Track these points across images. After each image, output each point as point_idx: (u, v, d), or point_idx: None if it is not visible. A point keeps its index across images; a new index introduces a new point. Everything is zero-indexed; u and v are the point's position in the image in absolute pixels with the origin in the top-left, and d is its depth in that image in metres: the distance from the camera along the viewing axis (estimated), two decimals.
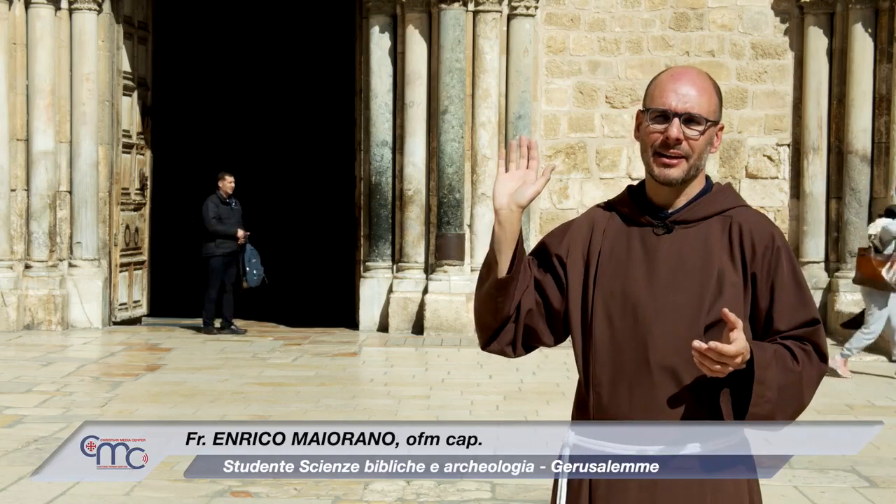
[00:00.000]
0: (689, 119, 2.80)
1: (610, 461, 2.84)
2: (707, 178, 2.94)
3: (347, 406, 9.90)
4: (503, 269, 2.87)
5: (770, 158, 15.31)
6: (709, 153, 2.87)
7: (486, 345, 2.99)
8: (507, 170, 2.86)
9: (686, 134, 2.80)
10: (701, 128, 2.81)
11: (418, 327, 14.58)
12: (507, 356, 3.01)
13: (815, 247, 15.08)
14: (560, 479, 2.92)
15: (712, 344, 2.64)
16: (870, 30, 14.65)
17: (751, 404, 2.75)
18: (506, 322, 2.92)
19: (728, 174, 15.23)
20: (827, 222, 15.10)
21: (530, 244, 14.86)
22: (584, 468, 2.87)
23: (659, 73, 2.92)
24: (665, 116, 2.81)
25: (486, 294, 2.92)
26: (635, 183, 3.02)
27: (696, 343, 2.65)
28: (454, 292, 14.50)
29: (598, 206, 3.04)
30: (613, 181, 14.64)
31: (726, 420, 2.84)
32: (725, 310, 2.67)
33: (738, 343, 2.66)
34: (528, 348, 2.99)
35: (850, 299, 14.54)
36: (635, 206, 2.93)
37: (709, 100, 2.83)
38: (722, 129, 2.91)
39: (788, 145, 15.30)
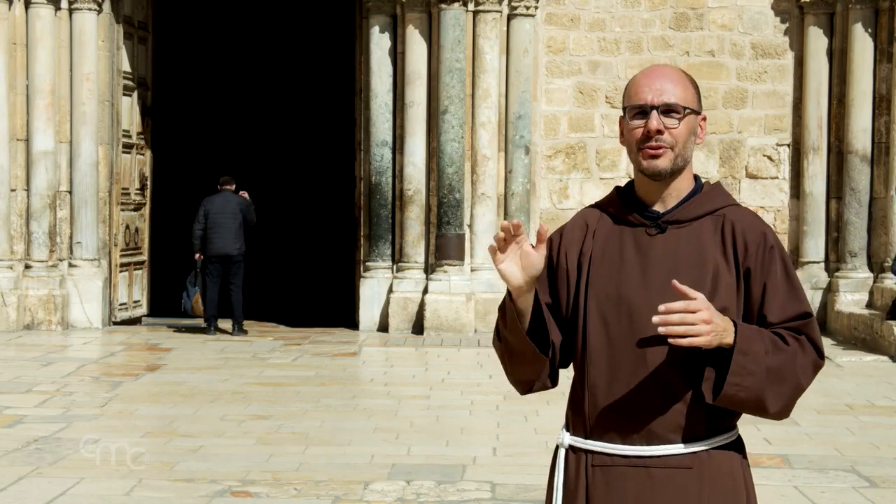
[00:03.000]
0: (666, 110, 2.83)
1: (606, 461, 2.84)
2: (696, 177, 2.96)
3: (347, 406, 9.90)
4: (539, 354, 2.88)
5: (770, 158, 15.31)
6: (694, 144, 2.89)
7: (527, 393, 3.04)
8: (502, 251, 2.82)
9: (666, 124, 2.83)
10: (679, 115, 2.84)
11: (418, 327, 14.58)
12: (548, 389, 3.03)
13: (815, 247, 15.07)
14: (556, 480, 2.93)
15: (668, 305, 2.63)
16: (870, 30, 14.65)
17: (729, 373, 2.71)
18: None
19: (728, 174, 15.23)
20: (827, 222, 15.10)
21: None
22: (579, 468, 2.88)
23: (633, 76, 2.95)
24: (644, 112, 2.84)
25: (519, 364, 2.95)
26: (623, 184, 3.04)
27: (656, 318, 2.64)
28: (454, 292, 14.50)
29: (588, 207, 3.05)
30: (613, 181, 14.63)
31: (723, 418, 2.84)
32: (675, 282, 2.67)
33: (699, 298, 2.65)
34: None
35: (849, 299, 14.54)
36: (625, 206, 2.94)
37: (684, 89, 2.87)
38: (705, 119, 2.93)
39: (788, 145, 15.30)
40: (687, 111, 2.84)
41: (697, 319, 2.64)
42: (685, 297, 2.65)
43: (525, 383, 3.00)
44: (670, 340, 2.66)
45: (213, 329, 14.80)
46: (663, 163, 2.84)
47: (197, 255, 14.93)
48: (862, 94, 14.68)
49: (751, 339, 2.74)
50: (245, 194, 15.28)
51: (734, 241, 2.85)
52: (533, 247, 2.80)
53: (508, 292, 2.87)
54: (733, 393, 2.73)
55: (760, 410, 2.79)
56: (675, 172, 2.86)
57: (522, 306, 2.85)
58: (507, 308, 2.88)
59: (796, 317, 2.83)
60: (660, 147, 2.83)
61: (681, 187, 2.90)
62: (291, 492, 6.91)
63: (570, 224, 3.02)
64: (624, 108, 2.89)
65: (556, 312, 2.95)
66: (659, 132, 2.82)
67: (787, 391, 2.79)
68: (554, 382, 2.99)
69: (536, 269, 2.80)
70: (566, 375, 2.99)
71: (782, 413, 2.82)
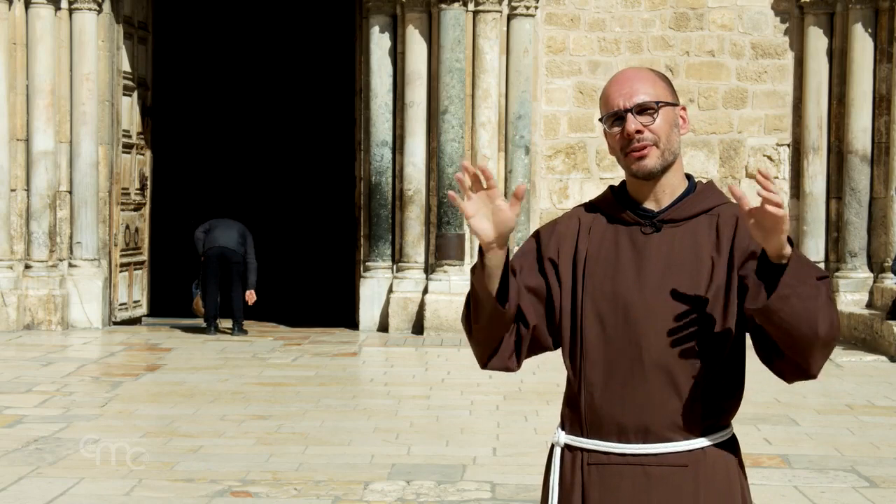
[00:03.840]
0: (640, 109, 2.84)
1: (601, 459, 2.84)
2: (689, 176, 2.96)
3: (347, 406, 9.90)
4: (497, 305, 2.81)
5: (770, 158, 15.31)
6: (679, 135, 2.89)
7: (487, 364, 2.96)
8: (468, 198, 2.76)
9: (643, 123, 2.84)
10: (654, 111, 2.85)
11: (418, 327, 14.58)
12: (510, 370, 2.98)
13: (815, 247, 15.07)
14: (551, 479, 2.93)
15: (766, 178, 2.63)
16: (870, 30, 14.65)
17: (786, 272, 2.62)
18: (502, 339, 2.91)
19: (728, 174, 15.23)
20: (827, 222, 15.10)
21: None
22: (575, 467, 2.88)
23: (604, 87, 2.96)
24: (620, 117, 2.85)
25: (484, 328, 2.88)
26: (616, 183, 3.04)
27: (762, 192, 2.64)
28: (454, 292, 14.49)
29: (581, 206, 3.05)
30: (613, 181, 14.58)
31: (718, 417, 2.85)
32: (732, 186, 2.66)
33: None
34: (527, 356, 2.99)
35: (850, 299, 14.54)
36: (619, 205, 2.94)
37: (652, 84, 2.87)
38: (684, 109, 2.94)
39: (788, 145, 15.30)
40: (660, 105, 2.85)
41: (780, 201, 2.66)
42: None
43: (485, 346, 2.92)
44: (769, 208, 2.63)
45: (213, 329, 14.80)
46: (651, 161, 2.85)
47: (203, 259, 14.93)
48: (862, 94, 14.68)
49: (803, 258, 2.68)
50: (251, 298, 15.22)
51: (729, 231, 2.86)
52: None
53: (480, 248, 2.82)
54: (788, 293, 2.62)
55: (810, 330, 2.66)
56: (665, 168, 2.87)
57: (492, 263, 2.79)
58: (476, 262, 2.82)
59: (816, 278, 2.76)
60: (643, 147, 2.83)
61: (674, 184, 2.91)
62: (291, 492, 6.91)
63: (563, 219, 3.02)
64: (601, 120, 2.91)
65: (549, 307, 2.93)
66: (638, 132, 2.83)
67: (833, 322, 2.68)
68: (517, 364, 2.93)
69: (508, 227, 2.75)
70: (550, 369, 2.98)
71: (826, 347, 2.72)
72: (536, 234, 3.01)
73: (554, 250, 2.95)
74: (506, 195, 15.78)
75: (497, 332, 2.89)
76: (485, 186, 2.75)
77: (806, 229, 15.09)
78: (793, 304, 2.64)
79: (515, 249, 2.92)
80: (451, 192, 2.83)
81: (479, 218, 2.77)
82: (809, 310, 2.65)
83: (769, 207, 2.63)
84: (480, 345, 2.94)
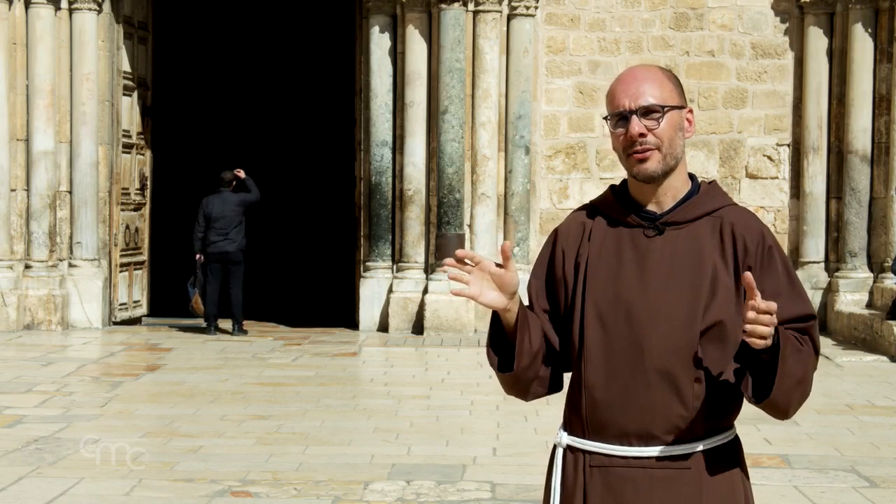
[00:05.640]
0: (645, 112, 2.82)
1: (604, 461, 2.84)
2: (693, 176, 2.94)
3: (347, 406, 9.90)
4: (509, 376, 2.96)
5: (770, 158, 15.31)
6: (684, 138, 2.87)
7: (528, 400, 3.07)
8: (468, 282, 2.81)
9: (647, 126, 2.81)
10: (659, 115, 2.82)
11: (418, 327, 14.57)
12: (554, 393, 3.05)
13: (815, 247, 15.07)
14: (553, 480, 2.92)
15: (769, 304, 2.60)
16: (870, 30, 14.65)
17: (777, 377, 2.70)
18: (534, 381, 2.98)
19: (728, 174, 15.23)
20: (827, 222, 15.10)
21: (530, 244, 14.87)
22: (577, 469, 2.88)
23: (612, 83, 2.94)
24: (624, 118, 2.83)
25: (509, 384, 3.02)
26: (617, 183, 3.03)
27: (767, 319, 2.61)
28: None
29: (583, 207, 3.04)
30: (613, 181, 14.57)
31: (720, 418, 2.84)
32: (748, 273, 2.64)
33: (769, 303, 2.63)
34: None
35: (849, 299, 14.54)
36: (621, 206, 2.93)
37: (660, 86, 2.84)
38: (691, 111, 2.91)
39: (788, 145, 15.30)
40: (666, 109, 2.82)
41: (771, 323, 2.64)
42: (752, 291, 2.62)
43: (519, 393, 3.04)
44: (751, 340, 2.63)
45: (213, 329, 14.81)
46: (652, 165, 2.82)
47: (197, 256, 14.96)
48: (862, 94, 14.68)
49: (786, 342, 2.72)
50: (241, 173, 15.26)
51: (734, 242, 2.83)
52: (499, 265, 2.80)
53: (493, 316, 2.91)
54: (775, 398, 2.73)
55: (781, 414, 2.80)
56: (667, 172, 2.85)
57: (509, 320, 2.87)
58: (492, 322, 2.92)
59: (801, 317, 2.82)
60: (646, 150, 2.81)
61: (676, 186, 2.88)
62: (291, 492, 6.91)
63: (565, 224, 3.01)
64: (606, 118, 2.90)
65: (554, 317, 2.95)
66: (642, 135, 2.81)
67: (805, 397, 2.81)
68: (555, 389, 3.00)
69: (515, 285, 2.82)
70: (566, 377, 2.98)
71: (791, 416, 2.85)
72: (554, 234, 3.03)
73: (559, 256, 2.96)
74: (506, 196, 15.73)
75: (523, 384, 2.98)
76: (472, 264, 2.80)
77: (806, 229, 15.09)
78: (774, 399, 2.74)
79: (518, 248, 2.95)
80: (452, 290, 2.85)
81: (486, 292, 2.82)
82: (788, 400, 2.76)
83: (753, 339, 2.65)
84: (513, 393, 3.06)
